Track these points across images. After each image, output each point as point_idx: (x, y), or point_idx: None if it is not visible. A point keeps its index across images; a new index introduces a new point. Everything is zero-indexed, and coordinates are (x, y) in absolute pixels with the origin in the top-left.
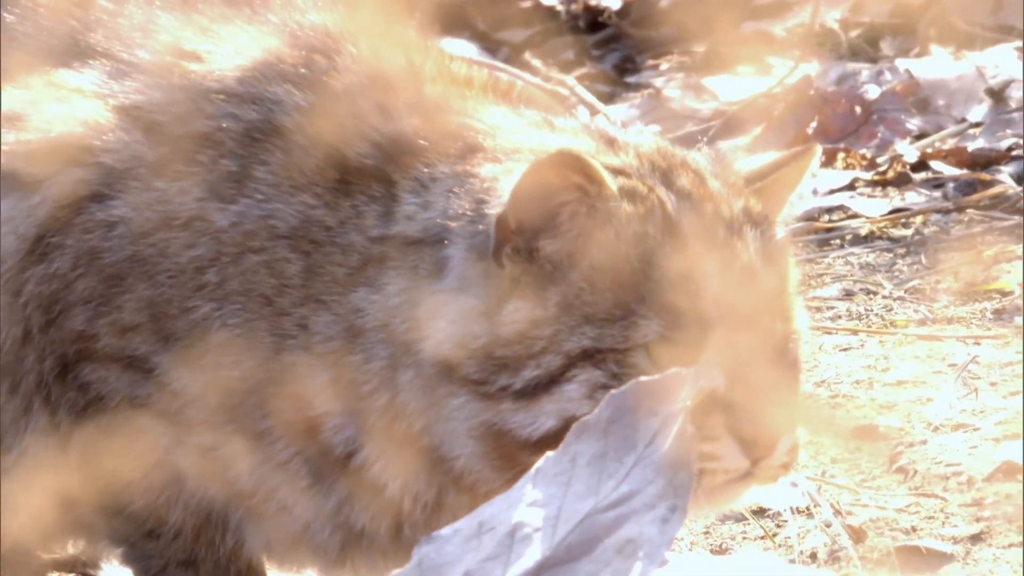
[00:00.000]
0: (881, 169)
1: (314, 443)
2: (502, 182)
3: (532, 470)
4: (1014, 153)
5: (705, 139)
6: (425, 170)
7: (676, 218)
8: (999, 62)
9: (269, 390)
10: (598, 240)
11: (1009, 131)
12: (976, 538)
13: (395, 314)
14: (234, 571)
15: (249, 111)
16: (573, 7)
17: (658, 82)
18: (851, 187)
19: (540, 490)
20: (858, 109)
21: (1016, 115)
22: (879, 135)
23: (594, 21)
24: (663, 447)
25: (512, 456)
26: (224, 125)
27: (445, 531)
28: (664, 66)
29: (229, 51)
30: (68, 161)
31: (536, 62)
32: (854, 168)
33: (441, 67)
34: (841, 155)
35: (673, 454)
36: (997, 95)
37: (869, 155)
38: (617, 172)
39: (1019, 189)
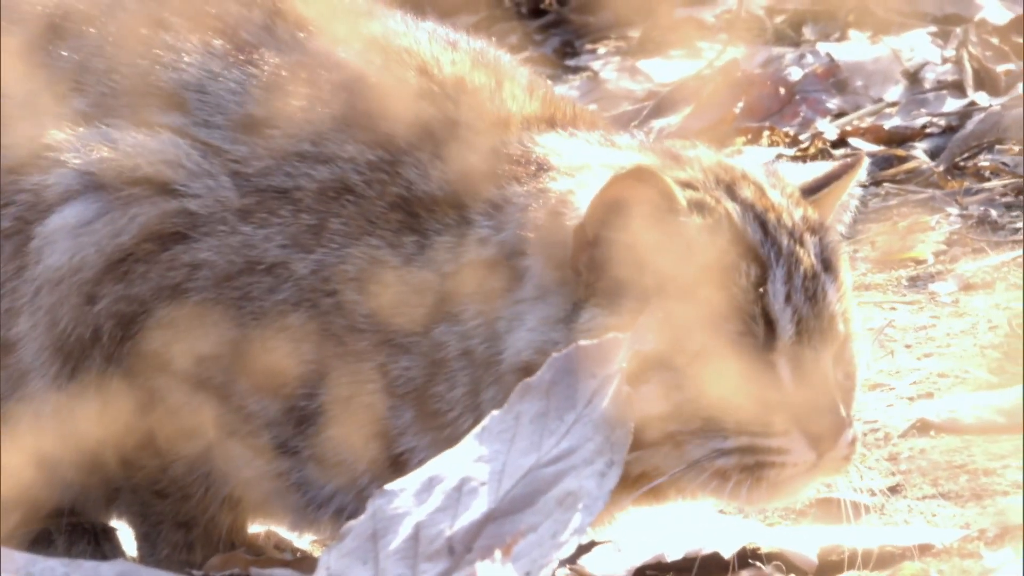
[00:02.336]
0: (803, 146)
1: (399, 475)
2: (578, 195)
3: (478, 427)
4: (927, 131)
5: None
6: (497, 191)
7: (743, 228)
8: (914, 46)
9: (349, 427)
10: (669, 250)
11: (923, 110)
12: (892, 490)
13: (474, 335)
14: (216, 536)
15: (323, 171)
16: None
17: (596, 65)
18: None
19: (486, 446)
20: (782, 90)
21: (929, 95)
22: (801, 114)
23: (536, 8)
24: (601, 406)
25: None
26: (301, 184)
27: (396, 485)
28: (601, 50)
29: (299, 118)
30: (154, 198)
31: None
32: (778, 145)
33: (492, 104)
34: (766, 133)
35: (610, 413)
36: (912, 77)
37: (792, 133)
38: (685, 185)
39: (932, 164)
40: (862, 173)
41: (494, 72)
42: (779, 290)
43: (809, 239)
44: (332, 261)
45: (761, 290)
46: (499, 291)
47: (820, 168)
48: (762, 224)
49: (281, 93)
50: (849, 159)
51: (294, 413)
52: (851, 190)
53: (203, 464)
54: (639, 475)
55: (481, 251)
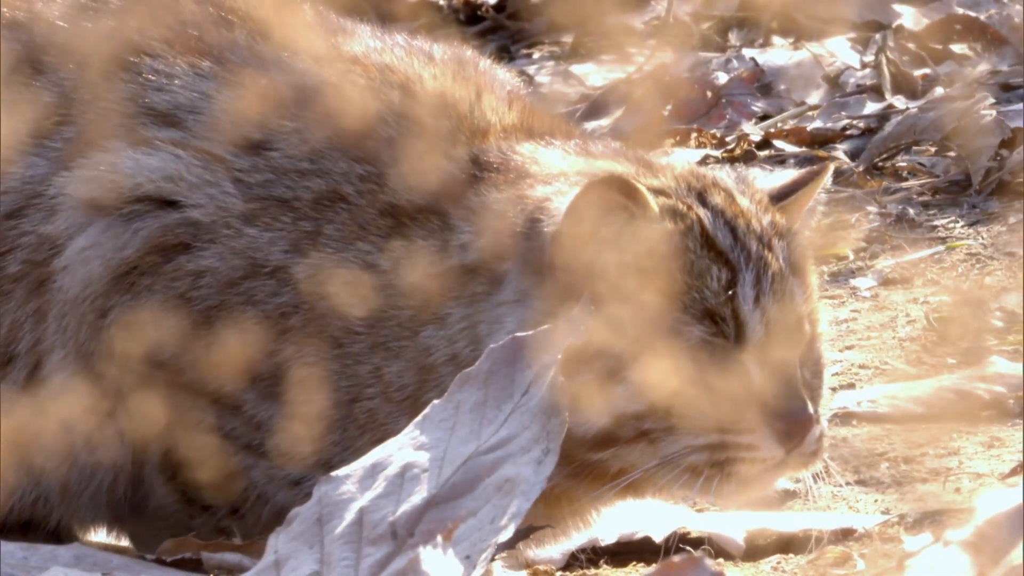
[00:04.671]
0: (729, 147)
1: None
2: (555, 202)
3: (420, 416)
4: (848, 133)
5: (574, 120)
6: (477, 199)
7: (713, 233)
8: (834, 51)
9: (350, 431)
10: (642, 255)
11: (844, 113)
12: (816, 477)
13: (459, 339)
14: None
15: (319, 183)
16: (454, 2)
17: (531, 69)
18: (703, 163)
19: (427, 435)
20: (708, 94)
21: (850, 99)
22: (727, 117)
23: (473, 14)
24: (537, 396)
25: (569, 453)
26: (299, 195)
27: (341, 472)
28: (536, 55)
29: (294, 140)
30: (157, 212)
31: None
32: (705, 146)
33: (473, 116)
34: (694, 135)
35: (547, 402)
36: (833, 81)
37: (719, 134)
38: (658, 192)
39: (853, 165)
40: (828, 180)
41: (474, 85)
42: (748, 293)
43: (777, 244)
44: (328, 264)
45: (731, 293)
46: (480, 295)
47: (788, 175)
48: (732, 230)
49: (273, 114)
50: (816, 167)
51: (299, 420)
52: (816, 196)
53: (256, 485)
54: (617, 471)
55: (463, 256)
